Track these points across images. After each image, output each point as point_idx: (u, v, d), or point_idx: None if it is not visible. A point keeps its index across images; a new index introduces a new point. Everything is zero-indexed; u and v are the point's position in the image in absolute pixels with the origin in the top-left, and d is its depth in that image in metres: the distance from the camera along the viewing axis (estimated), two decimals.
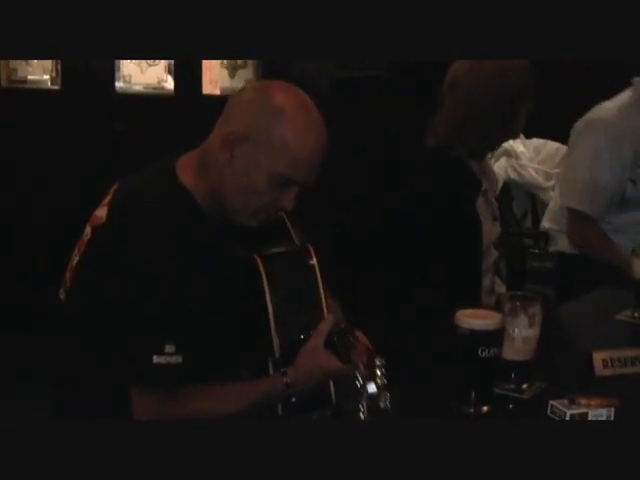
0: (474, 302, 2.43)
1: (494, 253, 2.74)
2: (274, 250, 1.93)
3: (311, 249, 1.96)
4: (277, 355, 1.86)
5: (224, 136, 1.80)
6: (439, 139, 2.54)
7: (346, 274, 2.53)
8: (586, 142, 3.17)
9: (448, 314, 1.80)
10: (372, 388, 1.60)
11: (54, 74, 4.26)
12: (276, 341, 1.86)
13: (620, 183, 3.14)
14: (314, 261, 1.95)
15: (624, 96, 3.24)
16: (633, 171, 3.15)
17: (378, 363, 1.63)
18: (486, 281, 2.66)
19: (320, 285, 1.94)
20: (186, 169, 1.86)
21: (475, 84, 2.50)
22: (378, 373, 1.61)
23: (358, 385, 1.61)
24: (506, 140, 2.79)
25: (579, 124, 3.24)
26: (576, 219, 3.20)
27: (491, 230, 2.66)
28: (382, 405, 1.59)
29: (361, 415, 1.61)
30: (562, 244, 3.32)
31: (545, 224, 3.45)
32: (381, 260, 2.54)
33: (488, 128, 2.51)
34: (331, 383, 1.89)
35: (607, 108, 3.22)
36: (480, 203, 2.57)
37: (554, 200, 3.46)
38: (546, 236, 3.45)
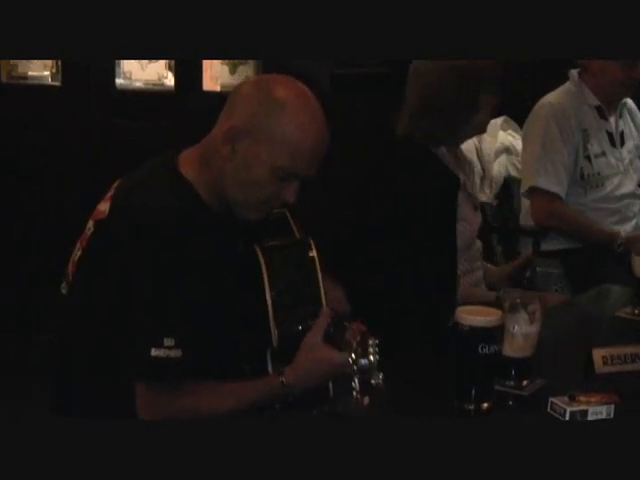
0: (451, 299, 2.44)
1: (478, 243, 2.73)
2: (274, 242, 1.94)
3: (311, 241, 1.97)
4: (275, 346, 1.87)
5: (225, 130, 1.81)
6: (403, 128, 2.53)
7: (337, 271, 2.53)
8: (536, 125, 3.33)
9: (431, 310, 1.80)
10: (364, 363, 1.62)
11: (54, 70, 4.26)
12: (274, 332, 1.87)
13: (575, 160, 3.30)
14: (314, 253, 1.96)
15: (565, 86, 3.43)
16: (585, 148, 3.32)
17: (371, 342, 1.64)
18: (476, 274, 2.65)
19: (320, 277, 1.94)
20: (188, 164, 1.86)
21: (432, 70, 2.48)
22: (371, 350, 1.63)
23: (350, 361, 1.63)
24: (472, 133, 2.66)
25: (530, 115, 3.41)
26: (541, 198, 3.31)
27: (473, 220, 2.64)
28: (374, 382, 1.61)
29: (354, 392, 1.63)
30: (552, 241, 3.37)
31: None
32: (372, 257, 2.53)
33: (446, 115, 2.47)
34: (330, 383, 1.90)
35: (552, 96, 3.40)
36: (460, 196, 2.56)
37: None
38: (544, 233, 3.46)
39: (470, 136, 2.72)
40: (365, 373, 1.62)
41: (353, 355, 1.64)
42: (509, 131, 4.03)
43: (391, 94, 4.24)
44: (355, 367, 1.63)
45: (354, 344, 1.66)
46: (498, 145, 3.91)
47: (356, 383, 1.61)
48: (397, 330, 2.39)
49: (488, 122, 2.62)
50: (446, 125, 2.49)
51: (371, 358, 1.63)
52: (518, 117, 3.89)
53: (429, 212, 2.45)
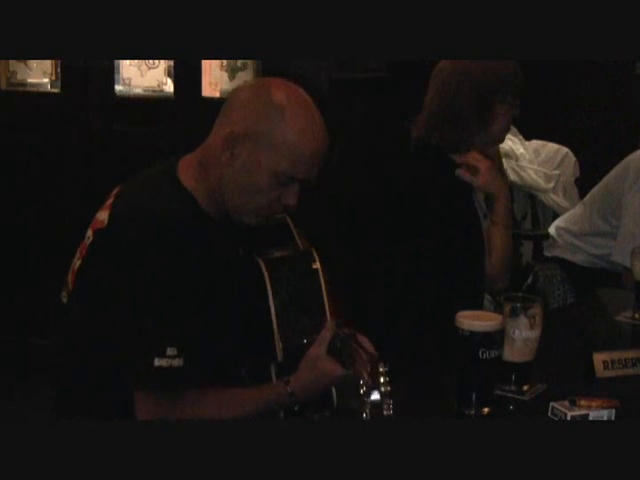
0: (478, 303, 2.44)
1: None
2: (278, 253, 1.93)
3: (315, 253, 1.96)
4: (279, 359, 1.86)
5: (224, 136, 1.80)
6: (420, 133, 2.53)
7: (348, 272, 2.53)
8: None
9: (451, 314, 1.79)
10: (375, 396, 1.58)
11: (54, 77, 4.27)
12: (279, 345, 1.86)
13: None
14: (317, 265, 1.94)
15: None
16: None
17: (382, 370, 1.61)
18: None
19: (324, 289, 1.93)
20: (187, 170, 1.86)
21: (449, 77, 2.49)
22: (381, 380, 1.60)
23: (361, 393, 1.59)
24: (488, 142, 2.61)
25: (638, 170, 3.05)
26: None
27: (483, 226, 2.65)
28: (385, 413, 1.58)
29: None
30: (565, 252, 3.30)
31: (562, 233, 3.30)
32: (383, 258, 2.52)
33: (461, 122, 2.46)
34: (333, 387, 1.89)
35: None
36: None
37: (576, 213, 3.34)
38: (545, 239, 3.45)
39: (487, 146, 2.70)
40: (377, 406, 1.58)
41: (364, 388, 1.59)
42: (509, 136, 4.03)
43: (390, 98, 4.25)
44: (366, 400, 1.58)
45: (365, 375, 1.62)
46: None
47: (368, 415, 1.58)
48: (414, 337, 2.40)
49: (506, 133, 2.62)
50: (461, 132, 2.49)
51: (382, 389, 1.58)
52: (517, 121, 3.88)
53: (450, 212, 2.45)
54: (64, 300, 1.89)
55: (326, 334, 1.82)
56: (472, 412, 1.76)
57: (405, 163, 2.55)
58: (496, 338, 1.76)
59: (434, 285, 2.43)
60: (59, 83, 4.26)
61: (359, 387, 1.60)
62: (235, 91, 1.90)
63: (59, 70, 4.24)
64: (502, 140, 2.67)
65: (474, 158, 2.52)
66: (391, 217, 2.48)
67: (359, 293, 2.52)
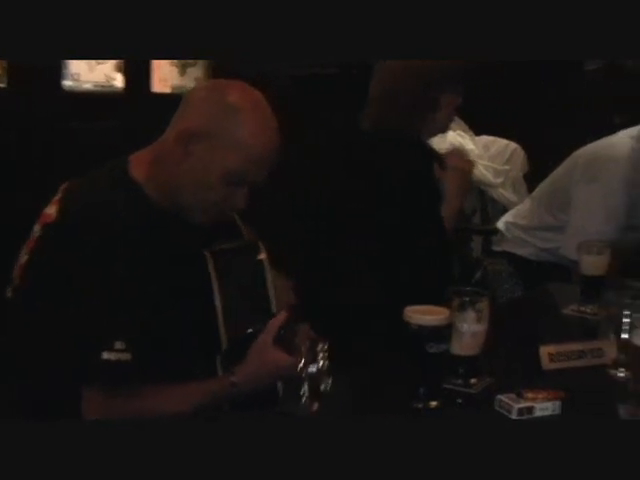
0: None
1: None
2: (223, 245, 1.94)
3: (260, 244, 1.98)
4: (224, 349, 1.86)
5: (179, 132, 1.82)
6: (369, 123, 2.54)
7: (307, 264, 2.52)
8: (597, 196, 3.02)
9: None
10: (313, 369, 1.63)
11: (0, 72, 4.22)
12: (223, 336, 1.86)
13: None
14: (263, 256, 1.96)
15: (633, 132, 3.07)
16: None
17: (320, 347, 1.65)
18: None
19: (269, 280, 1.94)
20: (139, 165, 1.87)
21: (393, 68, 2.50)
22: (320, 356, 1.64)
23: (300, 367, 1.63)
24: (433, 132, 2.63)
25: (586, 164, 3.09)
26: None
27: None
28: (322, 387, 1.61)
29: (303, 397, 1.63)
30: (513, 246, 3.33)
31: (510, 227, 3.34)
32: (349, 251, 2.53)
33: (406, 113, 2.49)
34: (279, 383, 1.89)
35: (615, 156, 3.04)
36: None
37: (524, 207, 3.38)
38: (494, 233, 3.47)
39: (431, 135, 2.71)
40: (314, 379, 1.62)
41: (302, 361, 1.64)
42: (458, 131, 4.06)
43: (345, 94, 4.24)
44: (304, 373, 1.63)
45: (303, 350, 1.66)
46: (447, 145, 3.93)
47: (305, 389, 1.62)
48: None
49: (450, 121, 2.64)
50: (407, 122, 2.50)
51: (320, 364, 1.64)
52: (467, 117, 3.92)
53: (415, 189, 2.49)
54: (9, 295, 1.87)
55: (275, 323, 1.83)
56: (420, 405, 1.77)
57: (360, 152, 2.56)
58: (444, 332, 1.78)
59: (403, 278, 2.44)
60: (5, 78, 4.21)
61: (297, 360, 1.64)
62: (192, 90, 1.96)
63: (6, 65, 4.19)
64: (446, 129, 2.69)
65: (458, 157, 2.57)
66: (378, 212, 2.49)
67: (332, 290, 2.51)
